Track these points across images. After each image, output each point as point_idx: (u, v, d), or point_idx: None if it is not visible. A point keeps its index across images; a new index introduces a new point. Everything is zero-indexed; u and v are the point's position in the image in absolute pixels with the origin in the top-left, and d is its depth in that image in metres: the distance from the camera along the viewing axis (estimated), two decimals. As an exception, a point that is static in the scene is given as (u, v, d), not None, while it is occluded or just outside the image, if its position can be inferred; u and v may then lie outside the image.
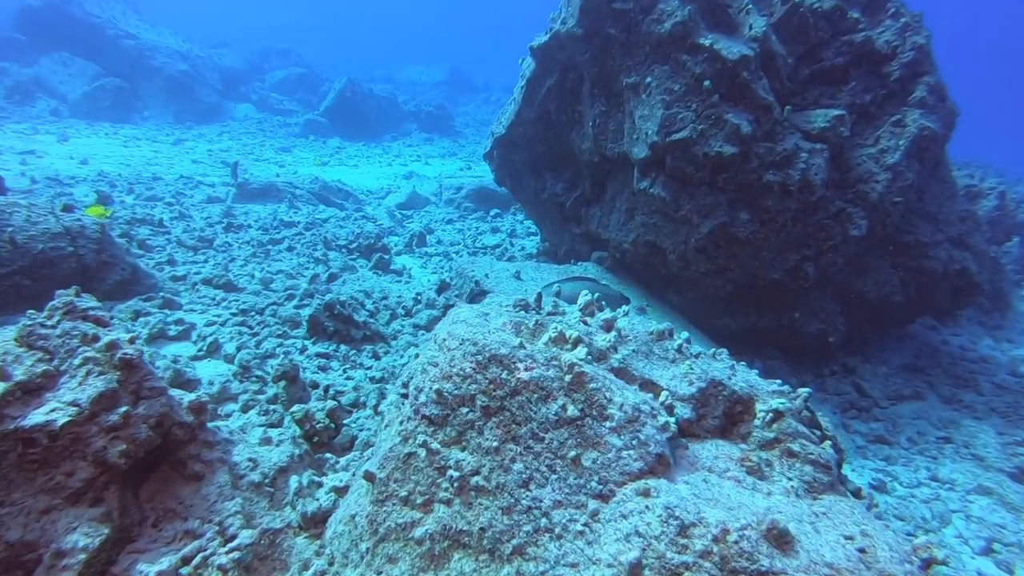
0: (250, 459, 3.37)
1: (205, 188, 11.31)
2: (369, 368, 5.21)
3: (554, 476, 2.55)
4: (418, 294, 6.55)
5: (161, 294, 5.71)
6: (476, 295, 5.67)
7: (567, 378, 2.62)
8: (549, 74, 7.07)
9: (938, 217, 7.49)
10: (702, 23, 6.20)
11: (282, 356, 5.13)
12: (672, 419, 2.63)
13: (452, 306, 6.19)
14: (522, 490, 2.56)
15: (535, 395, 2.64)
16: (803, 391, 3.28)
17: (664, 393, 2.76)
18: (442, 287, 6.58)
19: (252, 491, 3.23)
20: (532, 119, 7.43)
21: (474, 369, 2.75)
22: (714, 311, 7.25)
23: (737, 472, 2.68)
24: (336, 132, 20.01)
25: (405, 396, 3.06)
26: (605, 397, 2.60)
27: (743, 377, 3.08)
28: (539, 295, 3.65)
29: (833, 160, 6.76)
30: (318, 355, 5.25)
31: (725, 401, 2.92)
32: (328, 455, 3.81)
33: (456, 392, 2.76)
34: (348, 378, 5.03)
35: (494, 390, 2.70)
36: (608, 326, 3.08)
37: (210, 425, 3.33)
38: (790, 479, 2.73)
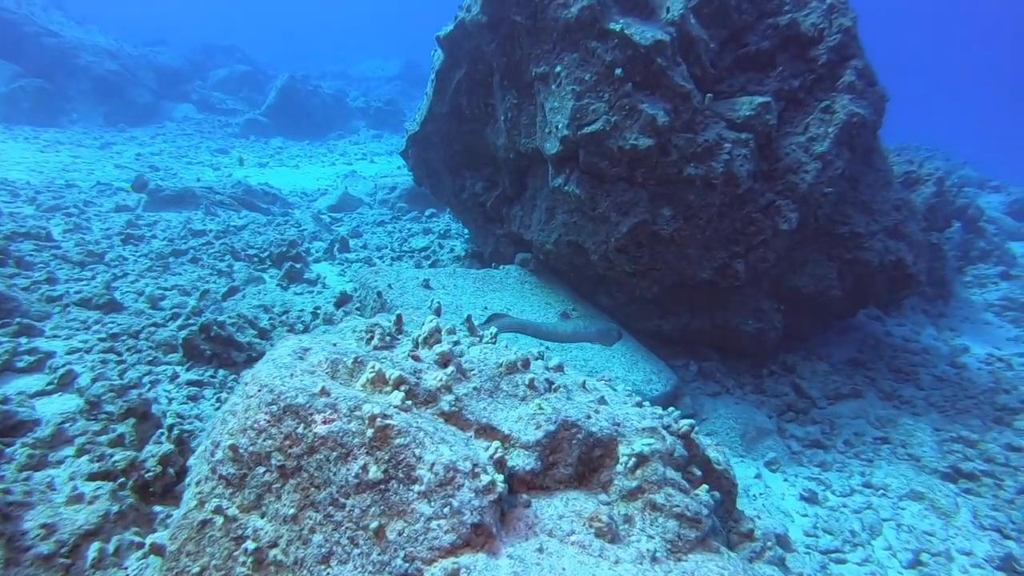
0: (45, 525, 2.86)
1: (123, 195, 10.61)
2: (248, 395, 4.70)
3: (356, 551, 2.10)
4: (316, 308, 6.05)
5: (18, 319, 5.12)
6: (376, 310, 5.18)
7: (369, 432, 2.17)
8: (458, 66, 6.59)
9: (872, 207, 7.20)
10: (614, 7, 5.77)
11: (148, 387, 4.60)
12: (500, 476, 2.19)
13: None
14: (322, 567, 2.11)
15: (334, 453, 2.19)
16: (684, 423, 2.88)
17: (494, 444, 2.32)
18: (342, 300, 6.07)
19: (39, 566, 2.72)
20: (445, 114, 6.93)
21: (268, 422, 2.29)
22: (645, 313, 6.88)
23: (583, 535, 2.25)
24: (279, 131, 19.21)
25: (209, 451, 2.59)
26: (414, 455, 2.15)
27: (609, 413, 2.66)
28: (399, 316, 3.19)
29: (761, 150, 6.41)
30: (190, 383, 4.72)
31: (580, 445, 2.49)
32: (160, 508, 3.32)
33: (252, 448, 2.30)
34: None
35: (290, 447, 2.25)
36: (445, 360, 2.63)
37: (-10, 490, 2.81)
38: (651, 537, 2.33)
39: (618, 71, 5.49)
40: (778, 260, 6.76)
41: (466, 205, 7.40)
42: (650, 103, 5.60)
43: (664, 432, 2.71)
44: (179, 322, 5.51)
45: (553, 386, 2.73)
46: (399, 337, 3.08)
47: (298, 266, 7.23)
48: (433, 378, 2.52)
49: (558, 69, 5.73)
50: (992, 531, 5.17)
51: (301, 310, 6.10)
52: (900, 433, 6.45)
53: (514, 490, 2.40)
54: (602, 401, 2.79)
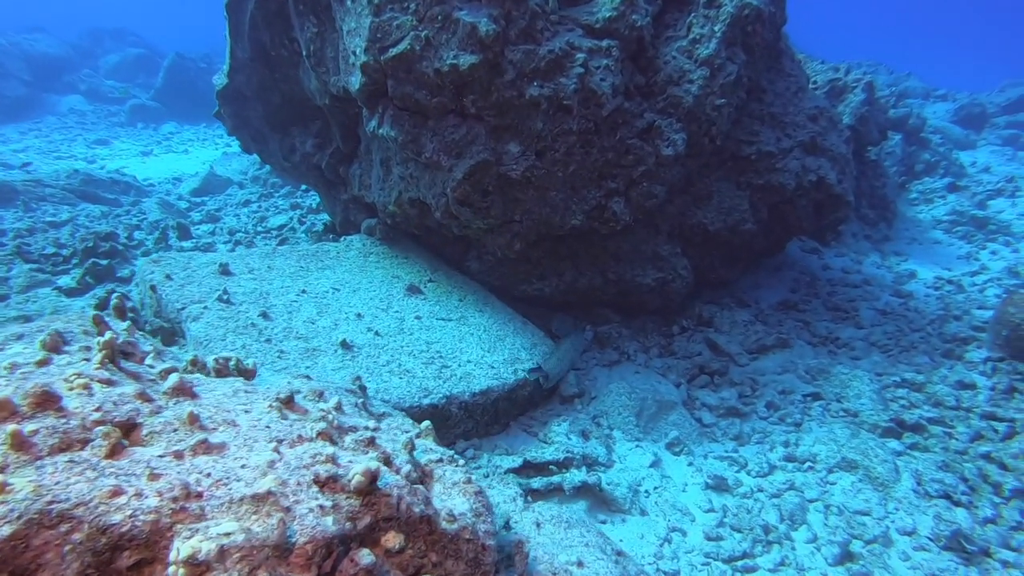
0: None
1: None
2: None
3: None
4: (82, 311, 4.78)
5: None
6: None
7: None
8: (246, -8, 5.23)
9: (784, 120, 6.05)
10: None
11: None
12: None
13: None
14: None
15: None
16: (356, 472, 1.68)
17: None
18: (106, 300, 4.81)
19: None
20: (249, 60, 5.56)
21: None
22: (521, 274, 5.70)
23: None
24: (172, 115, 17.42)
25: None
26: None
27: (189, 473, 1.47)
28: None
29: (634, 61, 5.18)
30: None
31: (85, 551, 1.30)
32: None
33: None
34: None
35: None
36: None
37: None
38: None
39: (421, -31, 4.20)
40: (671, 194, 5.61)
41: (300, 169, 6.09)
42: (470, 9, 4.32)
43: (304, 494, 1.53)
44: None
45: (93, 437, 1.53)
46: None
47: (104, 263, 5.90)
48: None
49: (350, -24, 4.42)
50: (938, 498, 4.18)
51: (76, 320, 4.82)
52: (834, 385, 5.43)
53: None
54: (203, 448, 1.59)
